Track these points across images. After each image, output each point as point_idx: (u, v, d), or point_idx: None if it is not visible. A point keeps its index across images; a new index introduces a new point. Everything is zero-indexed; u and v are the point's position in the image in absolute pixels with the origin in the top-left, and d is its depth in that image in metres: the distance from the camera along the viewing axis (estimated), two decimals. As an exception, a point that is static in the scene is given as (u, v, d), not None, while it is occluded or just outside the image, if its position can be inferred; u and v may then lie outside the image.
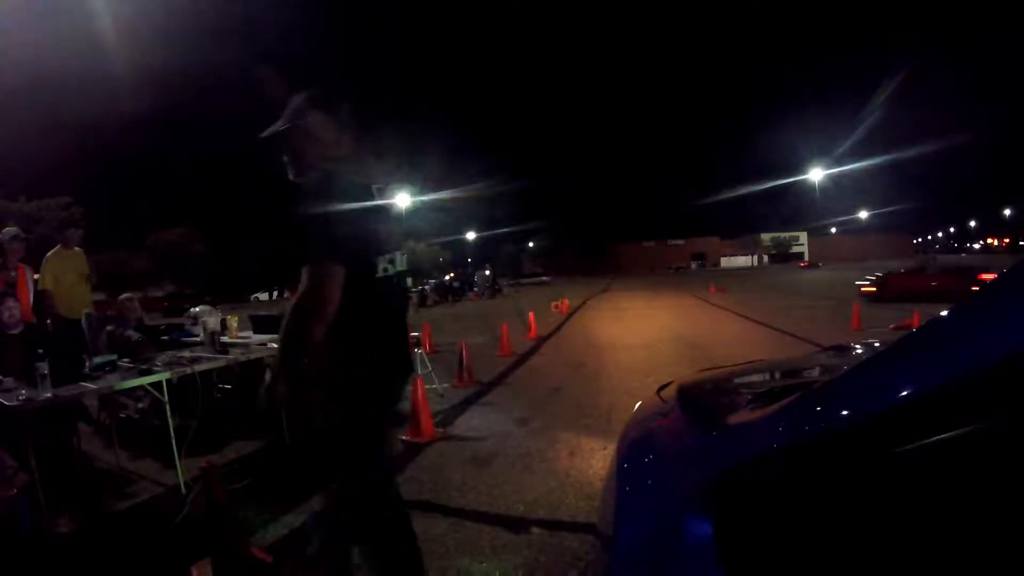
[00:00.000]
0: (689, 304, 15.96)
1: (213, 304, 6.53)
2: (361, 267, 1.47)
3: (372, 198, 1.57)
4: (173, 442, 3.06)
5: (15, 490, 2.57)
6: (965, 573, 0.51)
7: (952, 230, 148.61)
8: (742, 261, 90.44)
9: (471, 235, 68.06)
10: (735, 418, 0.95)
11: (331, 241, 1.40)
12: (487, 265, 38.64)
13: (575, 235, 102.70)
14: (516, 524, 2.48)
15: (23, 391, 2.65)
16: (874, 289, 13.68)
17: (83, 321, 4.40)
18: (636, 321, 11.91)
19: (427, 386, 4.62)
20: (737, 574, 0.65)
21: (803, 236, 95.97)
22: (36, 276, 4.50)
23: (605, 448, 3.41)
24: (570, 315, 14.13)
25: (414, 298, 24.91)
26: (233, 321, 4.40)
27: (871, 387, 0.64)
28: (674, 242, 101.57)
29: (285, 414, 1.46)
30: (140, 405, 3.83)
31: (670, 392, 1.33)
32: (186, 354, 3.64)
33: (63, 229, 5.13)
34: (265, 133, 1.65)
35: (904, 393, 0.57)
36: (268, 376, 1.47)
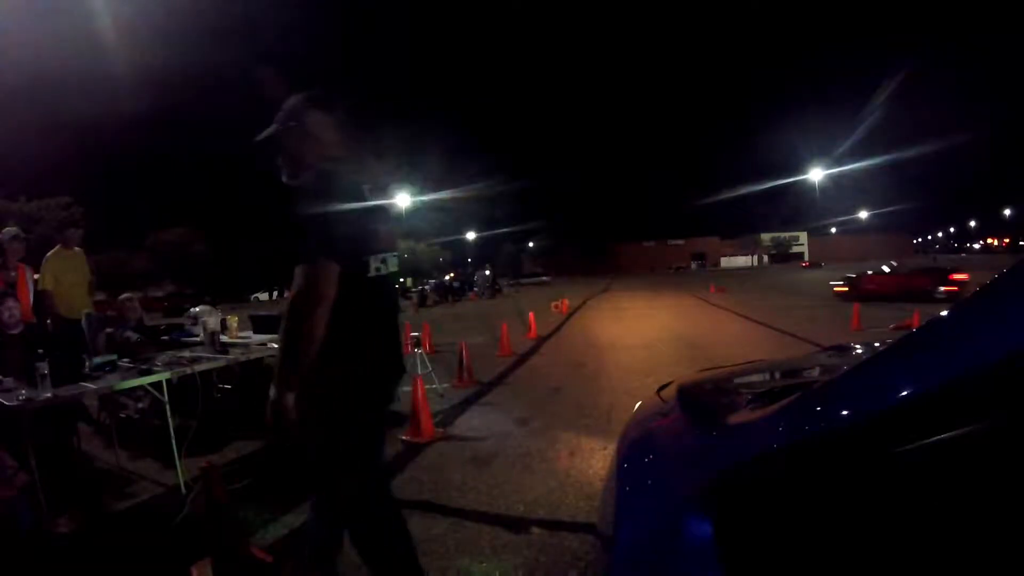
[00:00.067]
0: (689, 304, 15.96)
1: (213, 304, 6.53)
2: (354, 266, 1.47)
3: (367, 198, 1.57)
4: (173, 442, 3.06)
5: (15, 490, 2.57)
6: (965, 573, 0.51)
7: (952, 230, 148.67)
8: (742, 261, 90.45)
9: (471, 235, 68.11)
10: (735, 418, 0.95)
11: (325, 239, 1.40)
12: (487, 265, 38.64)
13: (575, 235, 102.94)
14: (516, 524, 2.48)
15: (23, 391, 2.65)
16: (846, 289, 13.85)
17: (83, 321, 4.40)
18: (636, 321, 11.91)
19: (427, 386, 4.62)
20: (737, 574, 0.65)
21: (803, 236, 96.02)
22: (36, 276, 4.50)
23: (605, 448, 3.41)
24: (570, 315, 14.13)
25: (414, 298, 24.94)
26: (233, 321, 4.40)
27: (871, 387, 0.64)
28: (674, 242, 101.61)
29: (292, 425, 1.39)
30: (140, 405, 3.83)
31: (670, 392, 1.33)
32: (186, 354, 3.64)
33: (63, 229, 5.13)
34: (261, 136, 1.65)
35: (904, 393, 0.57)
36: (272, 391, 1.40)
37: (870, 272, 14.33)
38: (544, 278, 48.08)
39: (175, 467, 3.05)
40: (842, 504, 0.60)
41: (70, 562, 2.38)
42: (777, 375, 1.51)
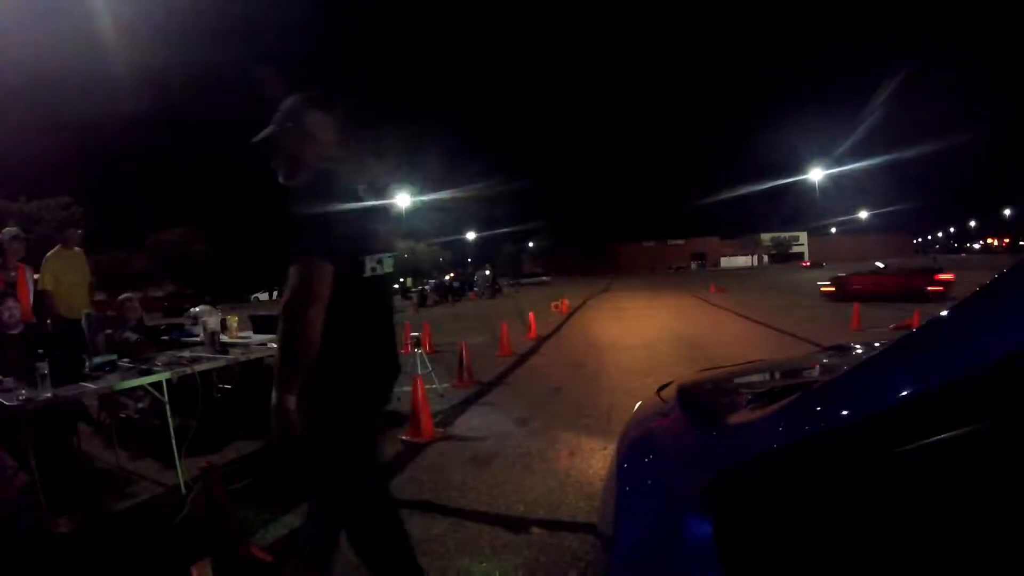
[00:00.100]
0: (689, 304, 15.96)
1: (213, 304, 6.53)
2: (350, 266, 1.47)
3: (363, 198, 1.57)
4: (173, 442, 3.06)
5: (15, 490, 2.57)
6: (965, 573, 0.51)
7: (952, 230, 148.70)
8: (742, 261, 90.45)
9: (471, 235, 68.11)
10: (735, 418, 0.95)
11: (320, 239, 1.40)
12: (487, 265, 38.62)
13: (575, 235, 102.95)
14: (516, 524, 2.48)
15: (23, 391, 2.65)
16: (833, 289, 14.07)
17: (83, 321, 4.40)
18: (636, 321, 11.91)
19: (427, 386, 4.62)
20: (737, 574, 0.65)
21: (803, 236, 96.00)
22: (36, 276, 4.50)
23: (605, 448, 3.41)
24: (570, 315, 14.13)
25: (414, 298, 24.94)
26: (233, 321, 4.40)
27: (871, 387, 0.64)
28: (674, 242, 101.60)
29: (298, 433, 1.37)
30: (140, 405, 3.83)
31: (670, 392, 1.33)
32: (186, 354, 3.64)
33: (63, 229, 5.12)
34: (259, 137, 1.66)
35: (904, 393, 0.57)
36: (274, 395, 1.38)
37: (856, 272, 14.53)
38: (544, 278, 48.08)
39: (175, 467, 3.05)
40: (842, 504, 0.60)
41: (70, 562, 2.38)
42: (777, 375, 1.51)
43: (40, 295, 4.45)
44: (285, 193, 1.54)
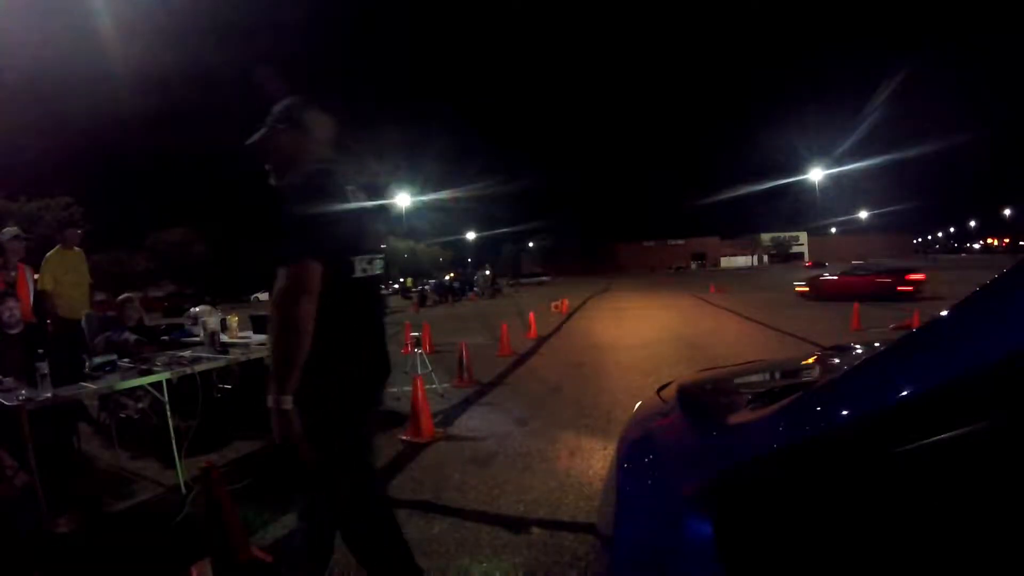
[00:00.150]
0: (689, 304, 15.95)
1: (213, 304, 6.53)
2: (339, 266, 1.48)
3: (353, 199, 1.58)
4: (173, 442, 3.06)
5: (15, 490, 2.57)
6: (965, 573, 0.51)
7: (952, 230, 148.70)
8: (742, 261, 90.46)
9: (471, 235, 68.13)
10: (735, 418, 0.95)
11: (310, 239, 1.41)
12: (487, 265, 38.63)
13: (575, 235, 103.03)
14: (516, 524, 2.48)
15: (23, 391, 2.65)
16: (807, 289, 14.46)
17: (83, 321, 4.40)
18: (636, 321, 11.91)
19: (427, 386, 4.63)
20: (737, 574, 0.65)
21: (803, 236, 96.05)
22: (36, 276, 4.50)
23: (605, 448, 3.41)
24: (570, 315, 14.12)
25: (414, 298, 24.93)
26: (233, 321, 4.40)
27: (871, 387, 0.64)
28: (674, 242, 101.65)
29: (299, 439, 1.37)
30: (140, 405, 3.83)
31: (670, 392, 1.33)
32: (186, 354, 3.64)
33: (63, 229, 5.12)
34: (252, 139, 1.66)
35: (904, 393, 0.57)
36: (270, 398, 1.38)
37: (829, 274, 14.86)
38: (544, 278, 48.05)
39: (175, 467, 3.05)
40: (842, 504, 0.60)
41: (70, 562, 2.38)
42: (777, 375, 1.51)
43: (40, 295, 4.45)
44: (276, 194, 1.55)
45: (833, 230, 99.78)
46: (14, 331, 3.47)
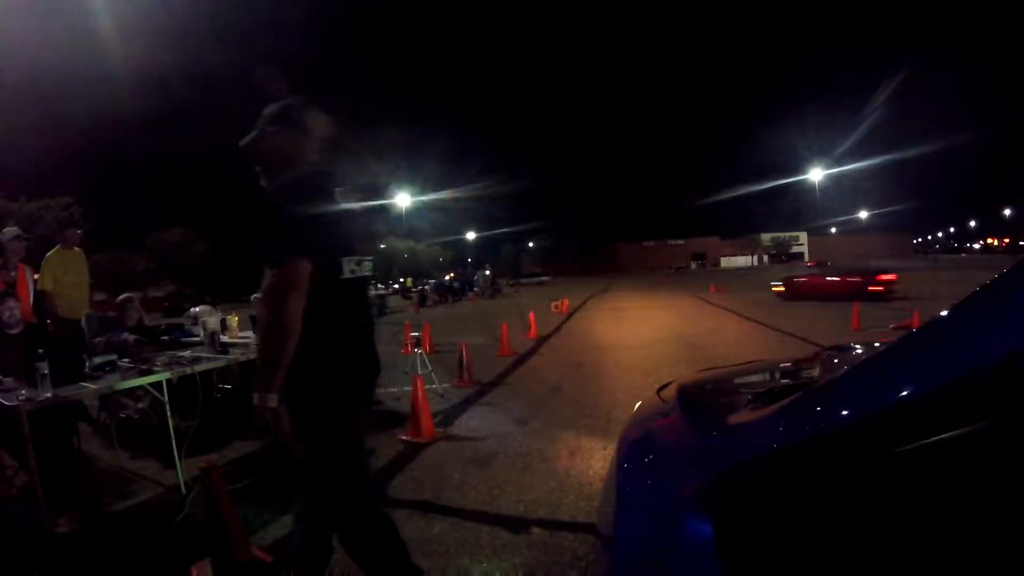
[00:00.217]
0: (689, 304, 15.95)
1: (213, 304, 6.53)
2: (328, 267, 1.48)
3: (343, 200, 1.59)
4: (173, 442, 3.06)
5: (15, 490, 2.57)
6: (965, 573, 0.51)
7: (952, 230, 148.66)
8: (742, 261, 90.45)
9: (471, 235, 68.15)
10: (735, 418, 0.95)
11: (299, 239, 1.42)
12: (487, 265, 38.63)
13: (575, 235, 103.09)
14: (516, 524, 2.48)
15: (23, 391, 2.65)
16: (783, 289, 14.94)
17: (83, 321, 4.40)
18: (636, 321, 11.91)
19: (427, 386, 4.62)
20: (737, 574, 0.65)
21: (803, 236, 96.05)
22: (36, 276, 4.50)
23: (605, 448, 3.41)
24: (570, 315, 14.12)
25: (414, 298, 24.92)
26: (233, 321, 4.40)
27: (871, 387, 0.64)
28: (674, 242, 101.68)
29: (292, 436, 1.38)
30: (140, 405, 3.83)
31: (670, 392, 1.33)
32: (186, 354, 3.64)
33: (63, 229, 5.12)
34: (245, 140, 1.67)
35: (904, 393, 0.57)
36: (256, 397, 1.38)
37: (802, 275, 15.35)
38: (544, 278, 48.03)
39: (175, 467, 3.05)
40: (842, 504, 0.60)
41: (70, 562, 2.38)
42: (777, 375, 1.51)
43: (40, 295, 4.45)
44: (267, 196, 1.56)
45: (833, 230, 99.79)
46: (14, 331, 3.47)
